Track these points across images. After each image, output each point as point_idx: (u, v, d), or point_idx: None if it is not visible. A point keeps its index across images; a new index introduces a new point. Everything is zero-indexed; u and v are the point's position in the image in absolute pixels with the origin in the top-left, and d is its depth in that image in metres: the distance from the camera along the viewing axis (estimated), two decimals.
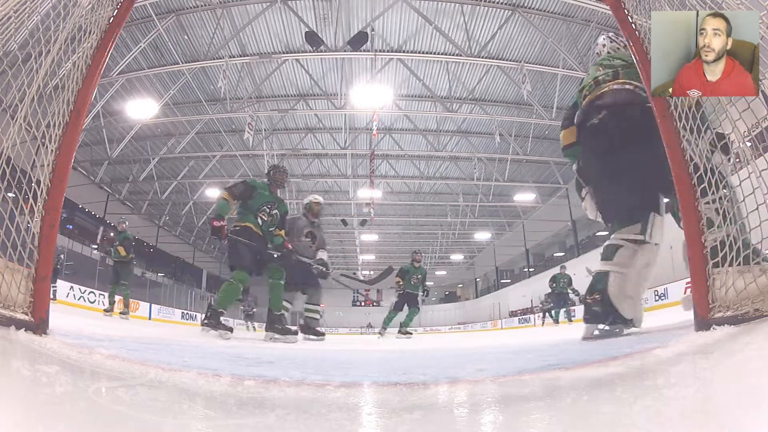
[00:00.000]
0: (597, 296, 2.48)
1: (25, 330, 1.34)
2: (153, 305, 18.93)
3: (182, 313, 21.53)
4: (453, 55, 12.81)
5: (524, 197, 21.28)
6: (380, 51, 12.64)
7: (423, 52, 12.98)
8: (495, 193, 22.61)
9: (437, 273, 39.58)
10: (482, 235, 28.81)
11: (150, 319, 17.31)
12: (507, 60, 13.03)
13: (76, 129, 1.68)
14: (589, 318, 2.53)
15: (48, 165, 1.59)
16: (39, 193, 1.54)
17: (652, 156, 1.99)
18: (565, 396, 1.04)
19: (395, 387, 1.28)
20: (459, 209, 24.03)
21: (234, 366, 1.75)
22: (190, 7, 11.39)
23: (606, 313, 2.44)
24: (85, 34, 1.71)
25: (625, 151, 2.40)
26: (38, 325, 1.41)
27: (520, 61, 12.69)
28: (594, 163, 2.66)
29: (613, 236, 2.52)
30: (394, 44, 12.71)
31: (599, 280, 2.50)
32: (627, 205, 2.49)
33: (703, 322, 1.49)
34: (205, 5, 11.28)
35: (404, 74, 14.11)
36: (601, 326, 2.51)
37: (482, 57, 12.64)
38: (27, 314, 1.39)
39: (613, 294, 2.42)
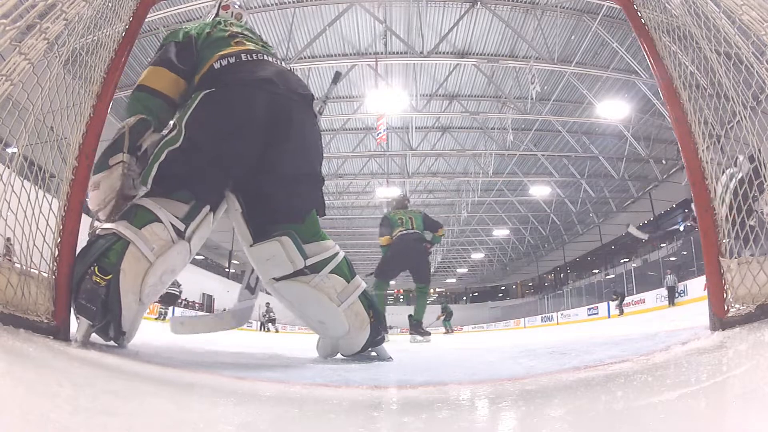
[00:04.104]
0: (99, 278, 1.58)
1: (46, 336, 1.38)
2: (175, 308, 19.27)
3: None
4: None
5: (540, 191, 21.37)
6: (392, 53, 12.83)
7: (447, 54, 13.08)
8: (510, 189, 22.80)
9: (458, 270, 39.88)
10: (500, 232, 28.93)
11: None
12: (518, 59, 13.11)
13: (94, 138, 1.72)
14: (78, 309, 1.57)
15: (67, 172, 1.64)
16: (59, 199, 1.60)
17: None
18: (582, 396, 1.04)
19: (402, 389, 1.29)
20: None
21: (248, 368, 1.78)
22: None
23: (102, 309, 1.57)
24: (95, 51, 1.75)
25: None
26: (58, 330, 1.46)
27: (529, 59, 12.68)
28: None
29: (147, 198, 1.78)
30: (399, 48, 12.85)
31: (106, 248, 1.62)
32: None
33: (719, 320, 1.47)
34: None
35: (418, 75, 14.23)
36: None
37: (490, 55, 12.78)
38: (48, 321, 1.43)
39: (128, 281, 1.61)
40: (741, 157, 2.11)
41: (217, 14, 2.50)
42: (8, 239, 1.40)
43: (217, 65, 1.92)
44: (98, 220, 1.80)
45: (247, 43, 2.09)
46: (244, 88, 1.89)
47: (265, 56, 2.03)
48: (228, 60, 1.93)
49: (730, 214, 1.46)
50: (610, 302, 18.88)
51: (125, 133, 1.82)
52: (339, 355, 2.18)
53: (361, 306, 2.03)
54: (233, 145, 1.88)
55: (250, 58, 1.97)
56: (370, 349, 2.11)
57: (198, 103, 1.84)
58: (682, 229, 14.59)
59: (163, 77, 1.94)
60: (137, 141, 1.84)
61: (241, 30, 2.20)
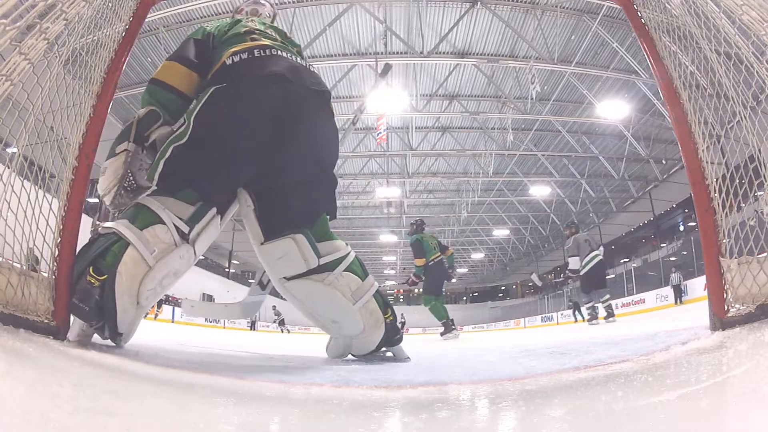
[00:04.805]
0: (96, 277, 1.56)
1: (46, 336, 1.38)
2: (176, 308, 19.28)
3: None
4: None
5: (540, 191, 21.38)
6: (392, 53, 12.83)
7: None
8: (510, 189, 22.83)
9: (458, 270, 39.98)
10: (500, 232, 28.94)
11: (173, 321, 17.62)
12: (518, 59, 13.13)
13: (94, 138, 1.72)
14: (71, 308, 1.54)
15: (67, 172, 1.64)
16: (59, 199, 1.60)
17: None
18: (582, 396, 1.03)
19: (402, 389, 1.29)
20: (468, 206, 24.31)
21: (248, 369, 1.78)
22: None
23: (98, 309, 1.55)
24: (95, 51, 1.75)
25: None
26: (58, 330, 1.46)
27: (529, 59, 12.68)
28: None
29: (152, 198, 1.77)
30: (399, 48, 12.84)
31: (103, 247, 1.60)
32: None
33: (719, 320, 1.47)
34: (208, 16, 11.46)
35: (418, 75, 14.23)
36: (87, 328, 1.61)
37: (490, 55, 12.76)
38: (48, 321, 1.43)
39: (123, 283, 1.57)
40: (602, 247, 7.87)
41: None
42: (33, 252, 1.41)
43: (228, 61, 1.91)
44: (99, 221, 1.81)
45: (264, 39, 2.06)
46: (255, 82, 1.86)
47: (279, 51, 1.99)
48: (240, 56, 1.92)
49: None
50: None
51: (133, 123, 1.83)
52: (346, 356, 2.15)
53: (376, 304, 2.02)
54: (239, 141, 1.84)
55: (262, 54, 1.95)
56: (385, 348, 2.09)
57: (208, 97, 1.82)
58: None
59: (176, 71, 1.94)
60: (145, 132, 1.84)
61: (264, 27, 2.18)
